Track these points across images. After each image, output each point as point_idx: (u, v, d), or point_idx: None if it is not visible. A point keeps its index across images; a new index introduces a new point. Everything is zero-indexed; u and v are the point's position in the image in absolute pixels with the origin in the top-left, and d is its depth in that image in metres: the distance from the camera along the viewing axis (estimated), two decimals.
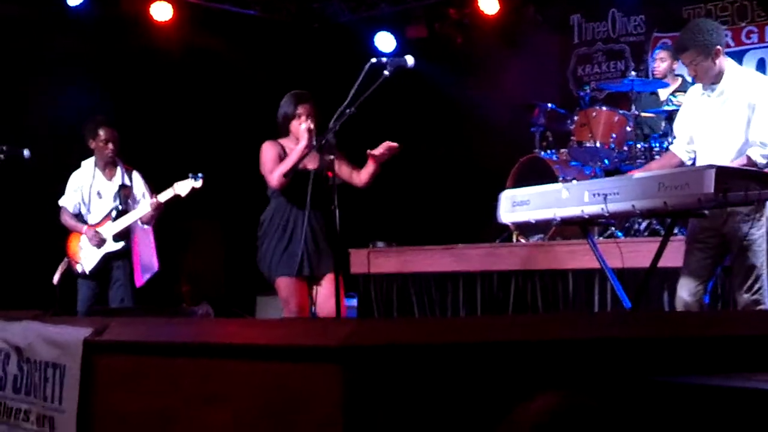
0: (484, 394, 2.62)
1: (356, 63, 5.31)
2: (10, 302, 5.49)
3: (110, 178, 6.89)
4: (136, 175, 6.96)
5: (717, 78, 4.94)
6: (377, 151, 5.56)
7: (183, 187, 6.68)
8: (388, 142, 5.57)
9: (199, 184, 6.70)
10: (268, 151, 5.71)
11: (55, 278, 6.79)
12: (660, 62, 7.93)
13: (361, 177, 5.67)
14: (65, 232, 6.90)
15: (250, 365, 2.75)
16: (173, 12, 9.44)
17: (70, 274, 6.81)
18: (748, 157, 4.78)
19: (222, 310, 9.53)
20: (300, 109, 5.63)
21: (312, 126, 5.55)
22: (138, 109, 9.18)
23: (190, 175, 6.71)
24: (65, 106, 8.37)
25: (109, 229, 6.76)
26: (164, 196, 6.69)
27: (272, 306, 9.16)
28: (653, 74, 8.01)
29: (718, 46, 4.88)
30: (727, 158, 4.81)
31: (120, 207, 6.80)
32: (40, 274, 7.06)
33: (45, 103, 8.56)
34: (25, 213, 8.23)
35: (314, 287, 5.63)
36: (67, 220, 6.88)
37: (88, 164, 6.90)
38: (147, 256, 6.95)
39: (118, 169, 6.91)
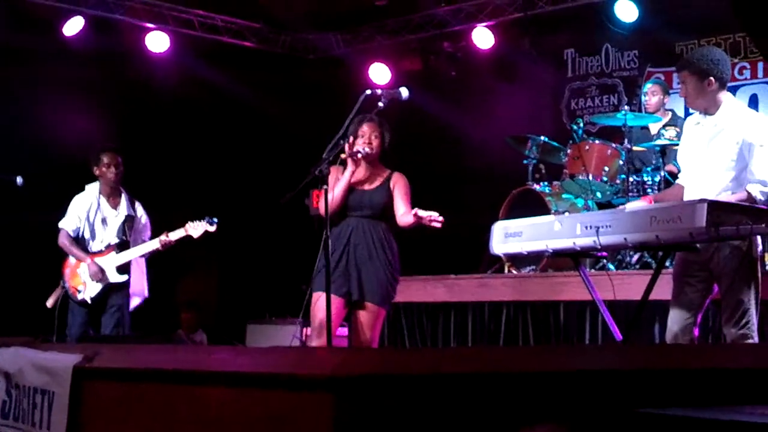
0: (474, 425, 2.62)
1: (351, 95, 5.34)
2: (2, 328, 5.47)
3: (115, 206, 6.84)
4: (138, 206, 6.95)
5: (712, 109, 4.95)
6: (423, 213, 5.49)
7: (196, 229, 6.66)
8: (436, 214, 5.50)
9: (213, 228, 6.68)
10: (330, 177, 5.45)
11: (49, 302, 6.73)
12: (651, 96, 7.99)
13: (406, 221, 5.62)
14: (59, 256, 6.85)
15: (241, 393, 2.75)
16: (169, 43, 9.48)
17: (67, 299, 6.76)
18: (749, 193, 4.77)
19: (213, 337, 9.52)
20: (359, 131, 5.52)
21: (361, 149, 5.47)
22: (133, 138, 9.19)
23: (206, 218, 6.68)
24: (60, 134, 8.39)
25: (113, 261, 6.72)
26: (175, 235, 6.66)
27: (263, 334, 9.15)
28: (645, 108, 8.05)
29: (712, 78, 4.89)
30: (714, 191, 4.82)
31: (124, 239, 6.78)
32: (34, 299, 7.01)
33: (40, 131, 8.57)
34: (18, 240, 8.21)
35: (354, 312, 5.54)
36: (68, 246, 6.77)
37: (92, 189, 6.84)
38: (138, 283, 6.93)
39: (123, 198, 6.87)
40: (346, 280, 5.45)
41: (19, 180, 6.68)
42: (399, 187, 5.65)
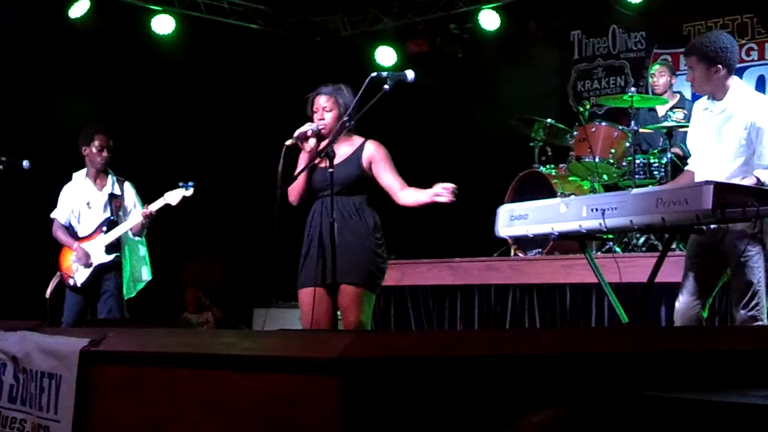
0: (481, 407, 2.63)
1: (357, 77, 5.31)
2: (4, 313, 5.48)
3: (101, 188, 6.85)
4: (127, 185, 6.94)
5: (720, 94, 4.93)
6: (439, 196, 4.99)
7: (174, 197, 6.65)
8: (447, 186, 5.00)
9: (190, 192, 6.66)
10: (299, 159, 5.30)
11: (48, 291, 6.77)
12: (659, 77, 7.96)
13: (406, 200, 5.21)
14: (59, 245, 6.86)
15: (248, 376, 2.75)
16: (175, 25, 9.46)
17: (63, 287, 6.79)
18: (758, 179, 4.76)
19: (219, 321, 9.55)
20: (314, 105, 5.31)
21: (314, 126, 5.20)
22: (140, 121, 9.19)
23: (181, 183, 6.67)
24: (66, 117, 8.38)
25: (101, 241, 6.73)
26: (155, 206, 6.66)
27: (269, 318, 9.17)
28: (652, 90, 8.02)
29: (720, 65, 4.86)
30: (725, 177, 4.80)
31: (111, 218, 6.79)
32: (36, 286, 7.02)
33: (46, 114, 8.57)
34: (24, 224, 8.22)
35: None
36: (59, 234, 6.83)
37: (79, 175, 6.89)
38: (137, 268, 6.93)
39: (109, 178, 6.88)
40: (322, 267, 5.08)
41: (25, 164, 6.67)
42: (377, 159, 5.21)
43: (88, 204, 6.82)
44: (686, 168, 5.32)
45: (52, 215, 6.89)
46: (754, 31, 8.70)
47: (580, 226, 4.88)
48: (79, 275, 6.72)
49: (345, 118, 5.17)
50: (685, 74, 8.06)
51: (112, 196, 6.83)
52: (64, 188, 6.91)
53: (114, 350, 3.24)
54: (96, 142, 6.78)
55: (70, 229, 6.84)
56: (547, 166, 8.00)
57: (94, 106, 8.64)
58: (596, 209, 4.76)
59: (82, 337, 3.35)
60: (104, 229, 6.75)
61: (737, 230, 4.74)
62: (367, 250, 5.13)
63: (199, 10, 9.71)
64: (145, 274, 6.97)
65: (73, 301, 6.77)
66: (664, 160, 7.38)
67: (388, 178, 5.23)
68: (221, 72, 9.77)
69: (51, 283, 6.80)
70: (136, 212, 6.82)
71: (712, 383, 2.92)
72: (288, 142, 5.19)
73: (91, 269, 6.71)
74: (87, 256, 6.70)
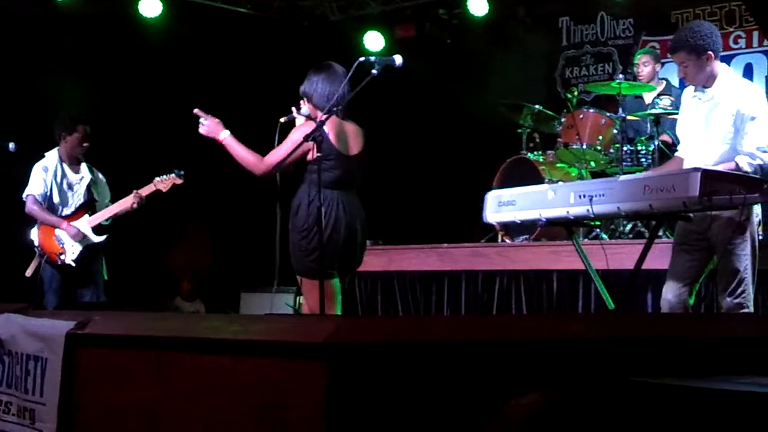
0: (468, 392, 2.63)
1: (345, 62, 5.30)
2: None
3: (76, 171, 6.87)
4: (95, 171, 6.97)
5: (708, 82, 4.94)
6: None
7: (164, 183, 6.67)
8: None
9: (180, 180, 6.68)
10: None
11: (28, 272, 6.72)
12: (643, 66, 7.95)
13: None
14: (32, 224, 6.76)
15: (234, 360, 2.75)
16: (162, 8, 9.41)
17: (48, 266, 6.73)
18: (736, 164, 4.78)
19: (207, 305, 9.53)
20: None
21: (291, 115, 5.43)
22: (126, 105, 9.15)
23: (175, 171, 6.68)
24: (53, 101, 8.34)
25: (86, 223, 6.73)
26: (146, 190, 6.69)
27: (256, 302, 9.16)
28: (638, 79, 8.00)
29: (710, 52, 4.87)
30: (711, 163, 4.82)
31: (95, 200, 6.81)
32: (18, 268, 6.96)
33: (32, 97, 8.52)
34: (8, 206, 8.17)
35: None
36: (39, 212, 6.69)
37: (53, 155, 6.82)
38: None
39: (83, 164, 6.90)
40: None
41: (11, 146, 6.64)
42: None
43: (70, 186, 6.81)
44: (676, 154, 5.33)
45: (26, 192, 6.74)
46: (742, 18, 8.70)
47: (567, 212, 4.88)
48: (71, 254, 6.68)
49: (336, 108, 5.19)
50: (671, 61, 8.07)
51: (92, 180, 6.85)
52: (36, 165, 6.80)
53: (100, 333, 3.23)
54: (78, 134, 6.78)
55: (48, 208, 6.75)
56: (535, 153, 7.99)
57: (81, 89, 8.60)
58: (584, 196, 4.77)
59: (68, 320, 3.34)
60: (88, 212, 6.75)
61: (724, 218, 4.76)
62: (296, 240, 5.26)
63: None
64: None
65: (56, 283, 6.71)
66: (651, 148, 7.38)
67: None
68: (209, 56, 9.72)
69: (32, 263, 6.74)
70: (108, 195, 6.86)
71: (698, 370, 2.93)
72: (282, 119, 5.33)
73: (82, 246, 6.68)
74: (81, 232, 6.68)
